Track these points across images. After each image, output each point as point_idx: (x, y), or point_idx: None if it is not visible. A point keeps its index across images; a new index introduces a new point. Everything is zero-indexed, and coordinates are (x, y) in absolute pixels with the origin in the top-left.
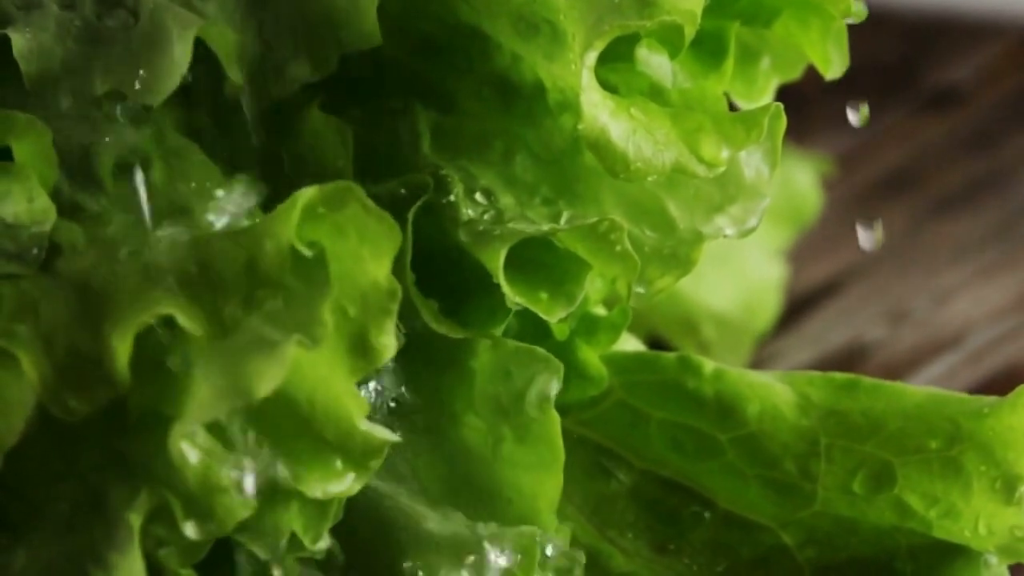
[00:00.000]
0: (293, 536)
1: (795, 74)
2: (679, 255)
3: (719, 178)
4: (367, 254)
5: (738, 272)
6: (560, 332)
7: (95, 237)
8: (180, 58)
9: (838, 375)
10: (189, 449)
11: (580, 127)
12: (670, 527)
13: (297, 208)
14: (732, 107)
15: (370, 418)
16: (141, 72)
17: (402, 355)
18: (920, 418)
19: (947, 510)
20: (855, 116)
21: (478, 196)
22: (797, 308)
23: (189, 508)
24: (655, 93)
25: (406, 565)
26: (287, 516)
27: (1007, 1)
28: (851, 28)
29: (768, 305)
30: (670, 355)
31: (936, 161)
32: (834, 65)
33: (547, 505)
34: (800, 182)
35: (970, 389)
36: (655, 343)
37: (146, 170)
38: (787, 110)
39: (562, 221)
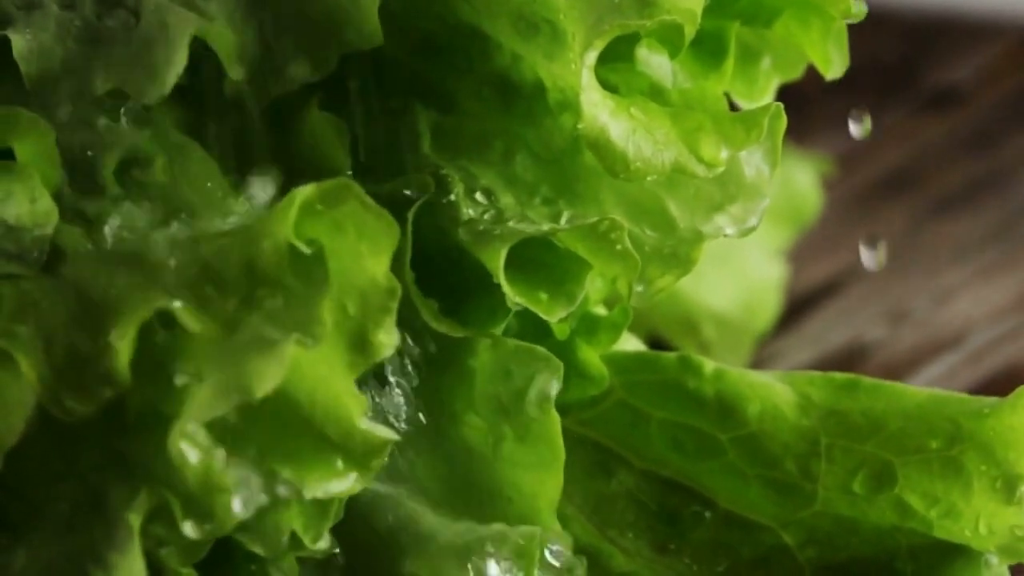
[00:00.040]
0: (293, 535)
1: (796, 74)
2: (679, 254)
3: (719, 177)
4: (366, 251)
5: (738, 272)
6: (560, 332)
7: (96, 238)
8: (177, 57)
9: (838, 375)
10: (189, 449)
11: (580, 126)
12: (671, 527)
13: (295, 206)
14: (733, 107)
15: (370, 417)
16: (141, 72)
17: (402, 354)
18: (920, 418)
19: (948, 510)
20: (856, 126)
21: (478, 196)
22: (797, 308)
23: (188, 508)
24: (655, 93)
25: (406, 565)
26: (288, 515)
27: (1007, 1)
28: (851, 28)
29: (768, 305)
30: (670, 355)
31: (936, 161)
32: (834, 65)
33: (547, 504)
34: (800, 182)
35: (970, 389)
36: (655, 343)
37: (147, 170)
38: (787, 110)
39: (562, 221)
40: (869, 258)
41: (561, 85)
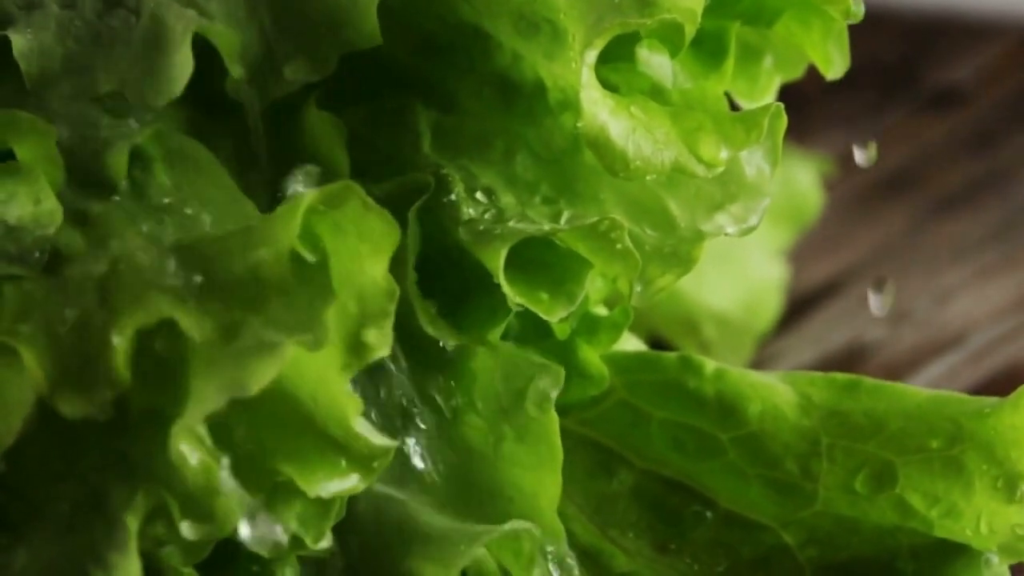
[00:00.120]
0: (295, 535)
1: (797, 73)
2: (680, 254)
3: (720, 177)
4: (366, 252)
5: (739, 272)
6: (561, 332)
7: (97, 239)
8: (184, 60)
9: (839, 375)
10: (189, 449)
11: (580, 125)
12: (671, 527)
13: (299, 211)
14: (734, 107)
15: (370, 416)
16: (143, 72)
17: (403, 354)
18: (921, 418)
19: (948, 509)
20: (861, 153)
21: (479, 195)
22: (798, 308)
23: (187, 508)
24: (656, 93)
25: (407, 564)
26: (289, 515)
27: (1007, 1)
28: (852, 28)
29: (769, 305)
30: (671, 355)
31: (937, 161)
32: (835, 65)
33: (548, 504)
34: (801, 182)
35: (971, 389)
36: (656, 343)
37: (148, 170)
38: (788, 110)
39: (562, 220)
40: (876, 302)
41: (561, 84)
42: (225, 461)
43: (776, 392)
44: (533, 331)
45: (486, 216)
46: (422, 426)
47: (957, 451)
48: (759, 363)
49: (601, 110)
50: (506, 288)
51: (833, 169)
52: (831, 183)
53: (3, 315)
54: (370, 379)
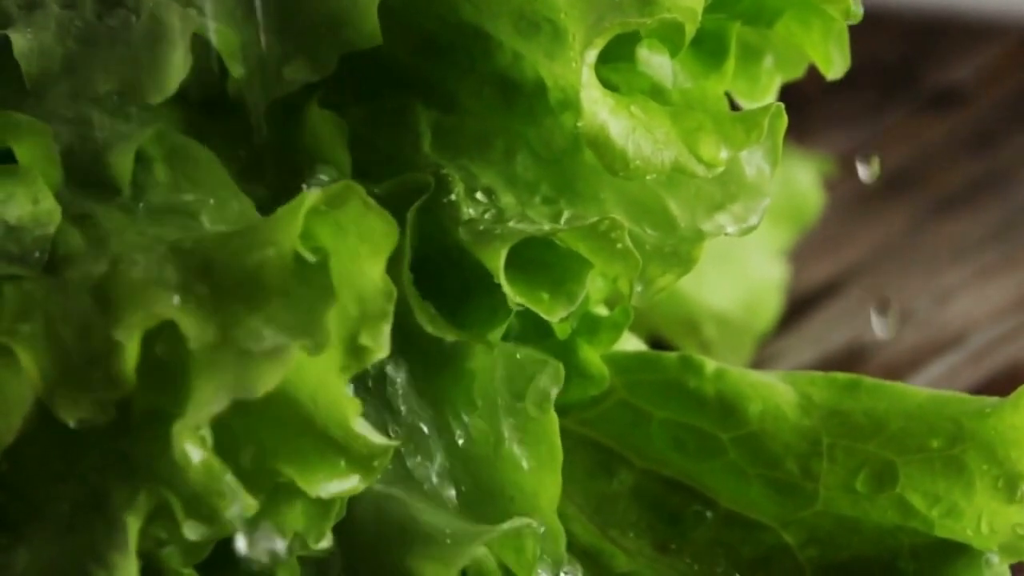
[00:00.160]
0: (295, 535)
1: (798, 73)
2: (680, 253)
3: (720, 176)
4: (365, 253)
5: (739, 272)
6: (561, 332)
7: (97, 238)
8: (181, 58)
9: (840, 375)
10: (192, 449)
11: (580, 124)
12: (672, 526)
13: (301, 213)
14: (735, 107)
15: (370, 417)
16: (142, 70)
17: (403, 354)
18: (922, 418)
19: (949, 509)
20: (864, 168)
21: (479, 195)
22: (798, 308)
23: (190, 508)
24: (656, 93)
25: (407, 564)
26: (290, 515)
27: (1007, 1)
28: (852, 28)
29: (769, 305)
30: (672, 355)
31: (937, 161)
32: (835, 65)
33: (548, 504)
34: (801, 182)
35: (971, 389)
36: (656, 343)
37: (148, 170)
38: (788, 109)
39: (563, 220)
40: (880, 325)
41: (562, 84)
42: (227, 462)
43: (776, 392)
44: (533, 331)
45: (486, 216)
46: (422, 427)
47: (958, 451)
48: (759, 363)
49: (601, 109)
50: (506, 288)
51: (833, 169)
52: (831, 183)
53: (3, 315)
54: (369, 379)
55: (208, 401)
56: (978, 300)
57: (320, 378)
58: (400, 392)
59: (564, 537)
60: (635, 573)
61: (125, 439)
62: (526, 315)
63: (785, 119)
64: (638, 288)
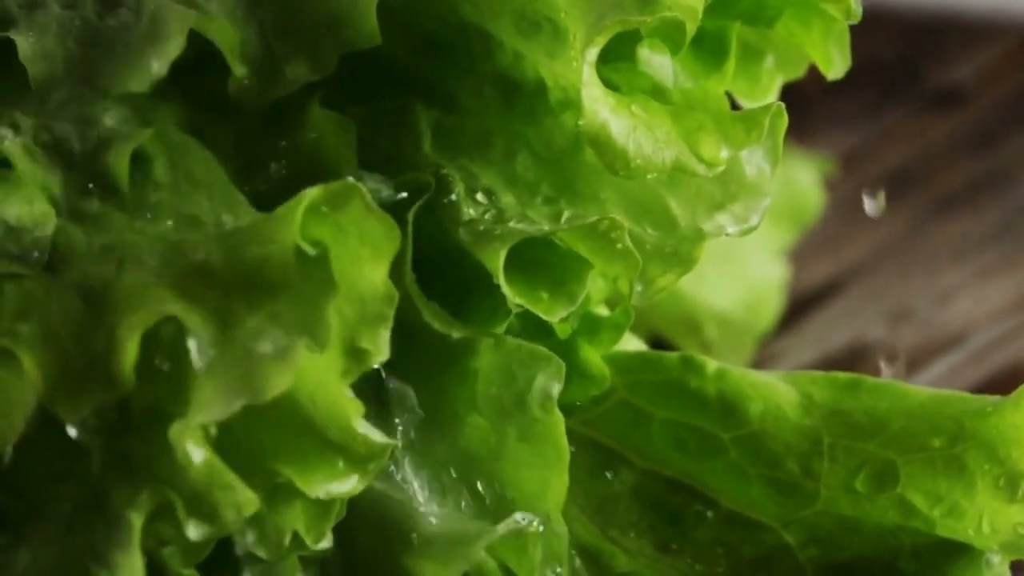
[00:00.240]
0: (295, 535)
1: (799, 73)
2: (680, 253)
3: (721, 176)
4: (366, 256)
5: (740, 272)
6: (562, 332)
7: (98, 238)
8: (170, 49)
9: (841, 374)
10: (194, 449)
11: (580, 123)
12: (672, 526)
13: (301, 208)
14: (736, 107)
15: (370, 418)
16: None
17: (404, 355)
18: (923, 417)
19: (950, 508)
20: (871, 204)
21: (479, 196)
22: (799, 308)
23: (192, 508)
24: (657, 92)
25: (408, 564)
26: (290, 515)
27: (1008, 1)
28: (852, 27)
29: (770, 305)
30: (672, 355)
31: (937, 161)
32: (836, 65)
33: (552, 504)
34: (802, 181)
35: (972, 388)
36: (657, 343)
37: (149, 169)
38: (789, 109)
39: (563, 220)
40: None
41: (563, 84)
42: (227, 461)
43: (777, 392)
44: (534, 331)
45: (486, 216)
46: (424, 427)
47: (959, 450)
48: (760, 363)
49: (602, 108)
50: (506, 289)
51: (834, 169)
52: (832, 183)
53: (3, 316)
54: (370, 379)
55: (209, 402)
56: (978, 300)
57: (320, 380)
58: (400, 391)
59: (567, 538)
60: (636, 573)
61: (125, 438)
62: (527, 315)
63: (785, 119)
64: (638, 288)
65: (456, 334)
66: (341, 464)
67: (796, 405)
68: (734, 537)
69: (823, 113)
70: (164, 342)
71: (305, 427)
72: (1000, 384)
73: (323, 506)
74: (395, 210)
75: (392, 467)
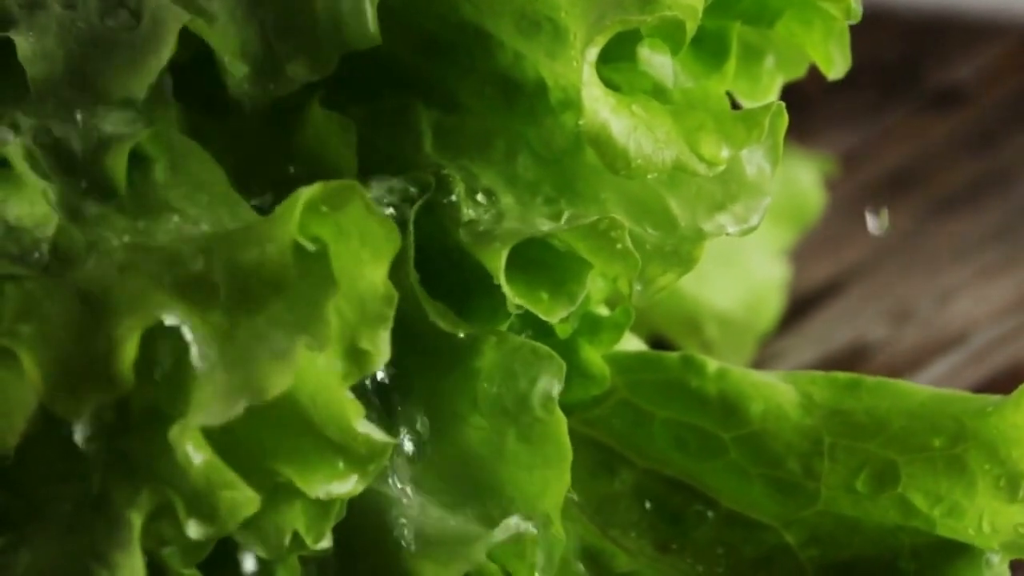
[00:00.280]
0: (295, 535)
1: (799, 73)
2: (680, 253)
3: (721, 176)
4: (367, 257)
5: (741, 272)
6: (563, 331)
7: (97, 239)
8: (165, 49)
9: (841, 374)
10: (194, 449)
11: (581, 123)
12: (673, 526)
13: (299, 205)
14: (736, 107)
15: (371, 418)
16: (141, 72)
17: (405, 355)
18: (924, 417)
19: (951, 508)
20: (874, 222)
21: (479, 196)
22: (800, 308)
23: (192, 507)
24: (658, 92)
25: (408, 564)
26: (290, 515)
27: (1008, 1)
28: (853, 28)
29: (771, 305)
30: (673, 354)
31: (938, 160)
32: (837, 65)
33: (553, 504)
34: (803, 181)
35: (973, 388)
36: (658, 343)
37: (149, 170)
38: (789, 109)
39: (563, 220)
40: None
41: (563, 83)
42: (227, 461)
43: (778, 391)
44: (534, 331)
45: (486, 217)
46: (423, 426)
47: (960, 450)
48: (761, 363)
49: (602, 108)
50: (506, 289)
51: (834, 169)
52: (832, 183)
53: (3, 316)
54: (370, 379)
55: (210, 403)
56: (979, 300)
57: (321, 380)
58: (401, 391)
59: (564, 539)
60: (636, 573)
61: (126, 438)
62: (527, 315)
63: (786, 118)
64: (638, 288)
65: (462, 332)
66: (341, 464)
67: (797, 405)
68: (735, 537)
69: (824, 113)
70: (163, 343)
71: (305, 427)
72: (1001, 384)
73: (323, 506)
74: (396, 210)
75: (392, 467)
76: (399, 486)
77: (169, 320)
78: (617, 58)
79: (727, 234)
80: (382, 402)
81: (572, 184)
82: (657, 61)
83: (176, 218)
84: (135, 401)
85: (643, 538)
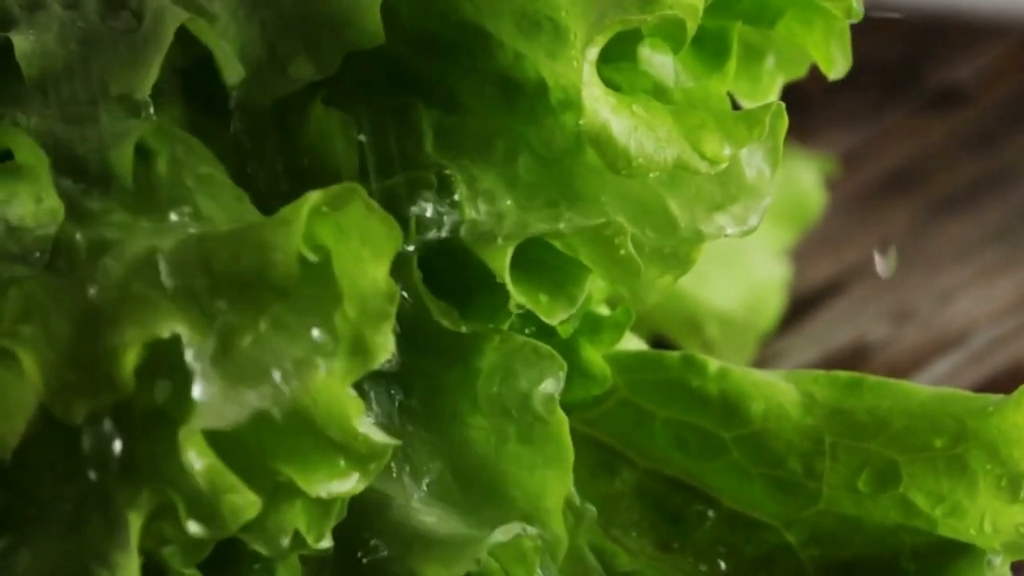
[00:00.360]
0: (296, 534)
1: (800, 73)
2: (679, 255)
3: (720, 176)
4: (368, 255)
5: (742, 272)
6: (564, 331)
7: (99, 239)
8: (163, 49)
9: (842, 374)
10: (197, 453)
11: (581, 123)
12: (674, 526)
13: (303, 213)
14: (737, 107)
15: (372, 417)
16: (141, 72)
17: (406, 354)
18: (925, 416)
19: (952, 508)
20: (883, 264)
21: (481, 196)
22: (801, 307)
23: (193, 507)
24: (658, 92)
25: (409, 564)
26: (291, 515)
27: (1009, 1)
28: (854, 28)
29: (772, 304)
30: (674, 354)
31: (939, 160)
32: (837, 65)
33: (554, 504)
34: (803, 181)
35: (974, 388)
36: (659, 342)
37: (151, 169)
38: (790, 109)
39: (565, 221)
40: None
41: (563, 84)
42: (227, 461)
43: (779, 391)
44: (535, 331)
45: (488, 216)
46: (425, 427)
47: (961, 450)
48: (762, 362)
49: (603, 107)
50: (510, 288)
51: (835, 168)
52: (833, 182)
53: (4, 316)
54: (371, 378)
55: (217, 408)
56: (980, 300)
57: (322, 380)
58: (401, 390)
59: (566, 539)
60: (637, 572)
61: (127, 439)
62: (528, 315)
63: (786, 118)
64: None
65: (465, 330)
66: (342, 463)
67: (798, 404)
68: (736, 537)
69: (824, 113)
70: (166, 347)
71: (306, 426)
72: (1001, 384)
73: (324, 505)
74: (397, 209)
75: (393, 467)
76: (400, 486)
77: (172, 327)
78: (618, 58)
79: (726, 235)
80: (383, 401)
81: (572, 184)
82: (658, 61)
83: (178, 218)
84: (137, 403)
85: (644, 538)
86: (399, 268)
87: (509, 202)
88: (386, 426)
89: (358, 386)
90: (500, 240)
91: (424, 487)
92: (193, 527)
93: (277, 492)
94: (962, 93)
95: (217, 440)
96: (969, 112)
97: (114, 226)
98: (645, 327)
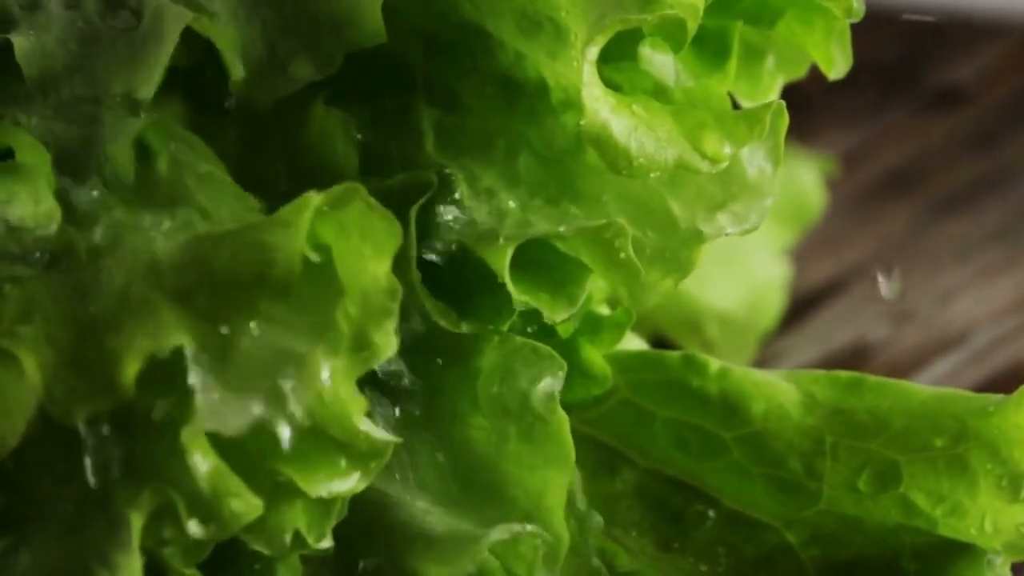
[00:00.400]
0: (297, 534)
1: (800, 73)
2: (680, 258)
3: (721, 176)
4: (369, 252)
5: (742, 271)
6: (564, 331)
7: (100, 239)
8: (167, 50)
9: (843, 373)
10: (201, 455)
11: (582, 123)
12: (674, 526)
13: (307, 214)
14: (737, 107)
15: (373, 417)
16: (141, 72)
17: (406, 354)
18: (926, 416)
19: (953, 508)
20: (886, 287)
21: (481, 196)
22: (801, 307)
23: (193, 508)
24: (659, 92)
25: (409, 564)
26: (292, 514)
27: (1010, 1)
28: (854, 27)
29: (772, 304)
30: (674, 354)
31: (939, 160)
32: (838, 65)
33: (555, 504)
34: (804, 181)
35: (974, 388)
36: (659, 342)
37: (152, 169)
38: (790, 109)
39: (564, 221)
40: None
41: (564, 83)
42: (228, 461)
43: (780, 391)
44: (536, 330)
45: (489, 216)
46: (425, 426)
47: (961, 449)
48: (762, 362)
49: (603, 107)
50: (510, 288)
51: (835, 168)
52: (833, 182)
53: (4, 316)
54: (372, 378)
55: (221, 412)
56: (980, 300)
57: (324, 377)
58: (401, 390)
59: (567, 538)
60: (638, 572)
61: (128, 440)
62: (528, 315)
63: (786, 118)
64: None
65: (464, 330)
66: (343, 462)
67: (798, 404)
68: (736, 536)
69: (824, 113)
70: (168, 353)
71: (307, 425)
72: (1002, 384)
73: (324, 505)
74: (398, 208)
75: (394, 466)
76: (400, 486)
77: (173, 336)
78: (618, 57)
79: (727, 234)
80: (383, 400)
81: (573, 184)
82: (658, 60)
83: (179, 217)
84: (137, 403)
85: (645, 537)
86: (398, 268)
87: (510, 202)
88: (387, 425)
89: (358, 384)
90: (501, 240)
91: (425, 486)
92: (194, 528)
93: (278, 492)
94: (962, 93)
95: (219, 441)
96: (969, 112)
97: (115, 225)
98: (646, 327)
